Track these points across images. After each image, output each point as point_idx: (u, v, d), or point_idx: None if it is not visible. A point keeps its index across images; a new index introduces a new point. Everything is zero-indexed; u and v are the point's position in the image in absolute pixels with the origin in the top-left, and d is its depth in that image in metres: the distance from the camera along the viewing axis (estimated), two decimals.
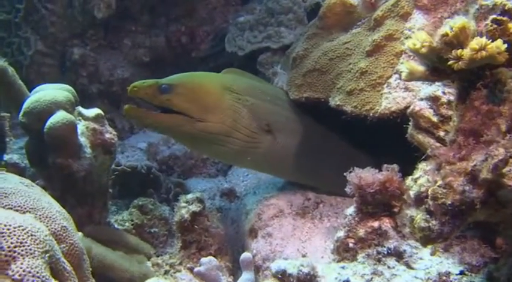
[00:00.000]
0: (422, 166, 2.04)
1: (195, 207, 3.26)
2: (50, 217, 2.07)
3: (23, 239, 1.69)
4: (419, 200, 1.91)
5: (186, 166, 4.70)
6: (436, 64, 1.73)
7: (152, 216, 3.63)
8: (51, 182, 3.06)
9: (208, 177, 4.70)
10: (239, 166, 4.15)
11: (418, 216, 1.75)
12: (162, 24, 5.55)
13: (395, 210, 2.37)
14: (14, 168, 3.86)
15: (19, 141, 4.15)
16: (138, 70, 5.50)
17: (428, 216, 1.72)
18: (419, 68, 1.80)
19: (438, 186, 1.65)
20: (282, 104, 3.46)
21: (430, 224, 1.70)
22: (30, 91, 3.19)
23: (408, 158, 2.84)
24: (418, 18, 2.84)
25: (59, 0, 5.00)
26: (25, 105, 2.96)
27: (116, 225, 3.51)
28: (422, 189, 1.91)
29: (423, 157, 2.07)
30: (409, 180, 2.07)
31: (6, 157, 3.90)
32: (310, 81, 3.29)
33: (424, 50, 1.70)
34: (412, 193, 1.98)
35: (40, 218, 2.02)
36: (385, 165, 2.35)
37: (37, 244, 1.72)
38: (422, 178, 1.96)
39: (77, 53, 5.08)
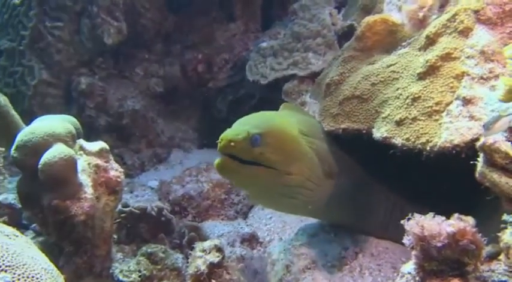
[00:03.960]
0: None
1: (212, 258, 2.90)
2: (33, 277, 1.73)
3: None
4: None
5: (202, 207, 4.32)
6: None
7: (163, 266, 3.26)
8: (46, 227, 2.72)
9: (226, 220, 4.31)
10: (297, 215, 3.60)
11: None
12: (177, 52, 5.39)
13: (469, 269, 1.96)
14: (9, 210, 3.66)
15: (15, 179, 3.79)
16: (150, 101, 5.30)
17: None
18: None
19: None
20: (331, 141, 3.06)
21: None
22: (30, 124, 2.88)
23: (475, 202, 2.40)
24: (481, 34, 2.40)
25: (66, 26, 4.77)
26: (18, 138, 2.64)
27: (120, 278, 3.12)
28: None
29: None
30: (508, 236, 1.57)
31: (0, 197, 3.54)
32: (349, 110, 2.87)
33: None
34: None
35: (19, 279, 1.69)
36: (456, 215, 1.93)
37: None
38: None
39: (84, 83, 4.83)
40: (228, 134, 2.55)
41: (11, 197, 3.65)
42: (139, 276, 3.14)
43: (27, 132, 2.62)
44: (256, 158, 2.56)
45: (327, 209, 2.96)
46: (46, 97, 4.76)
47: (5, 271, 1.64)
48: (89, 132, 4.62)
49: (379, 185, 3.16)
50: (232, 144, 2.49)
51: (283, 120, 2.85)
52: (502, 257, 1.62)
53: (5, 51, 4.83)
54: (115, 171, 2.89)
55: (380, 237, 3.10)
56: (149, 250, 3.26)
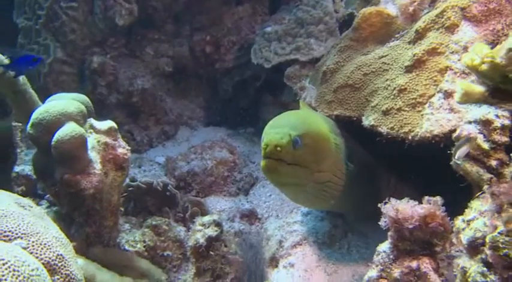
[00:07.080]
0: (477, 205, 1.72)
1: (211, 232, 3.06)
2: (45, 244, 1.89)
3: (2, 276, 1.51)
4: (474, 247, 1.59)
5: (205, 183, 4.43)
6: (500, 84, 1.43)
7: (166, 237, 3.42)
8: (59, 198, 2.88)
9: (228, 196, 4.43)
10: (323, 209, 3.47)
11: (473, 268, 1.44)
12: (186, 33, 5.40)
13: (437, 249, 2.14)
14: (26, 180, 3.79)
15: (32, 152, 3.98)
16: (159, 81, 5.34)
17: (485, 269, 1.42)
18: (478, 88, 1.52)
19: (499, 233, 1.35)
20: (345, 134, 3.11)
21: (488, 280, 1.38)
22: (45, 100, 3.01)
23: (451, 189, 2.55)
24: (466, 31, 2.53)
25: (80, 7, 4.86)
26: (33, 116, 2.79)
27: (126, 247, 3.29)
28: (478, 234, 1.59)
29: (479, 194, 1.74)
30: (459, 222, 1.75)
31: (17, 168, 3.76)
32: (342, 97, 3.02)
33: (485, 67, 1.42)
34: (464, 238, 1.66)
35: (33, 245, 1.84)
36: (427, 198, 2.09)
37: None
38: (477, 221, 1.64)
39: (96, 61, 4.90)
40: (271, 139, 2.55)
41: (28, 169, 3.79)
42: (144, 246, 3.29)
43: (42, 111, 2.75)
44: (296, 160, 2.59)
45: (343, 199, 2.96)
46: (61, 75, 4.88)
47: (21, 238, 1.80)
48: (101, 109, 4.73)
49: (382, 169, 3.27)
50: (278, 148, 2.52)
51: (315, 119, 2.88)
52: (453, 239, 1.78)
53: (22, 29, 4.95)
54: (122, 148, 3.00)
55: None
56: (154, 222, 3.42)
